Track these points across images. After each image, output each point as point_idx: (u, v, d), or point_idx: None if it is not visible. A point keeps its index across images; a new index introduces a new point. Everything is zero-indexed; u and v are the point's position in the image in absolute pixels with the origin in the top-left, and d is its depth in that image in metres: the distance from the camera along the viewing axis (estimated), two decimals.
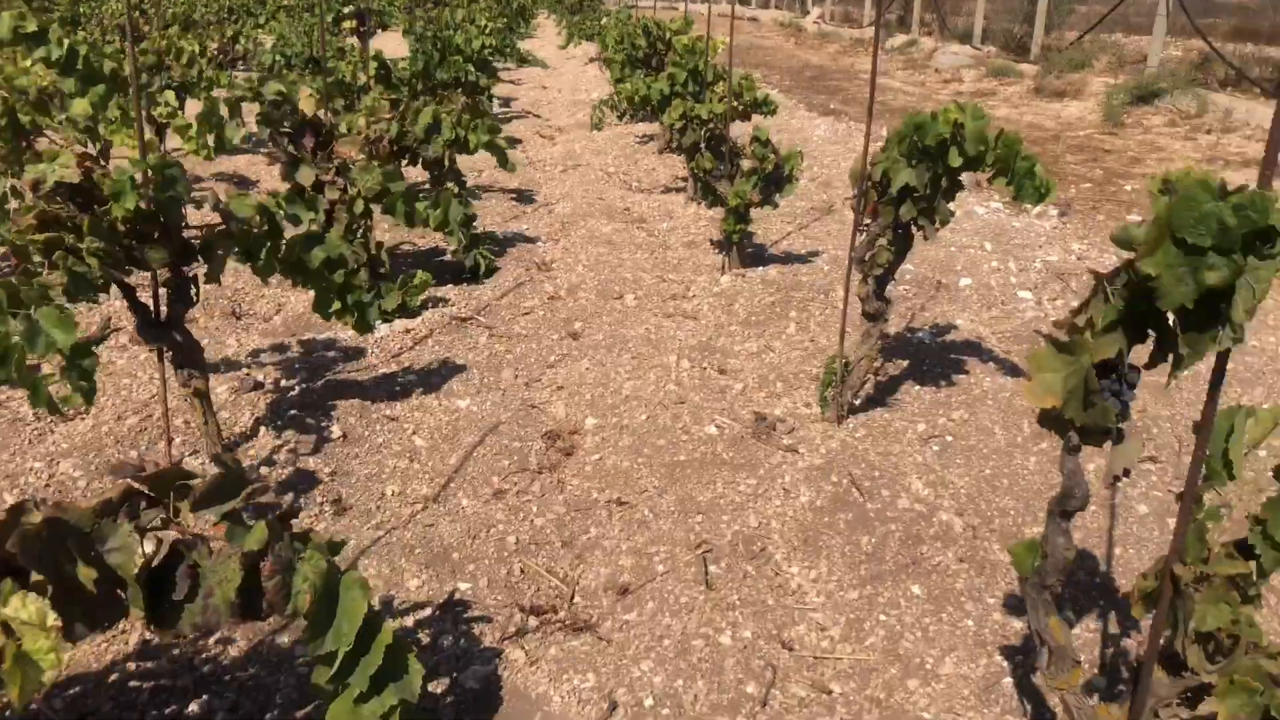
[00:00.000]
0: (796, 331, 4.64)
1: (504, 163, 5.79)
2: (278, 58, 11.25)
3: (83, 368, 2.52)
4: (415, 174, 6.57)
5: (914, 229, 3.26)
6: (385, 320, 4.88)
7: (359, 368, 4.32)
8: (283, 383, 4.11)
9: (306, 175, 4.83)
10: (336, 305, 3.58)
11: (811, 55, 20.05)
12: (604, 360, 4.42)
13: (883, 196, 3.26)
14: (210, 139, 4.56)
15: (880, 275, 3.36)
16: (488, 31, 11.44)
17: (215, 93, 4.52)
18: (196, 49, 7.91)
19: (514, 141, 9.86)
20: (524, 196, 7.67)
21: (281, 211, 3.32)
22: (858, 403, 3.71)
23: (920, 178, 3.02)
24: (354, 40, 17.50)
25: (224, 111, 4.52)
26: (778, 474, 3.30)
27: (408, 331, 4.74)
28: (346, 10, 17.93)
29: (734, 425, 3.65)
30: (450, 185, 5.52)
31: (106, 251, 2.76)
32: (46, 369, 2.56)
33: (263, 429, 3.70)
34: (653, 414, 3.78)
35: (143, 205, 2.97)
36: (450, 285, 5.43)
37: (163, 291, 3.29)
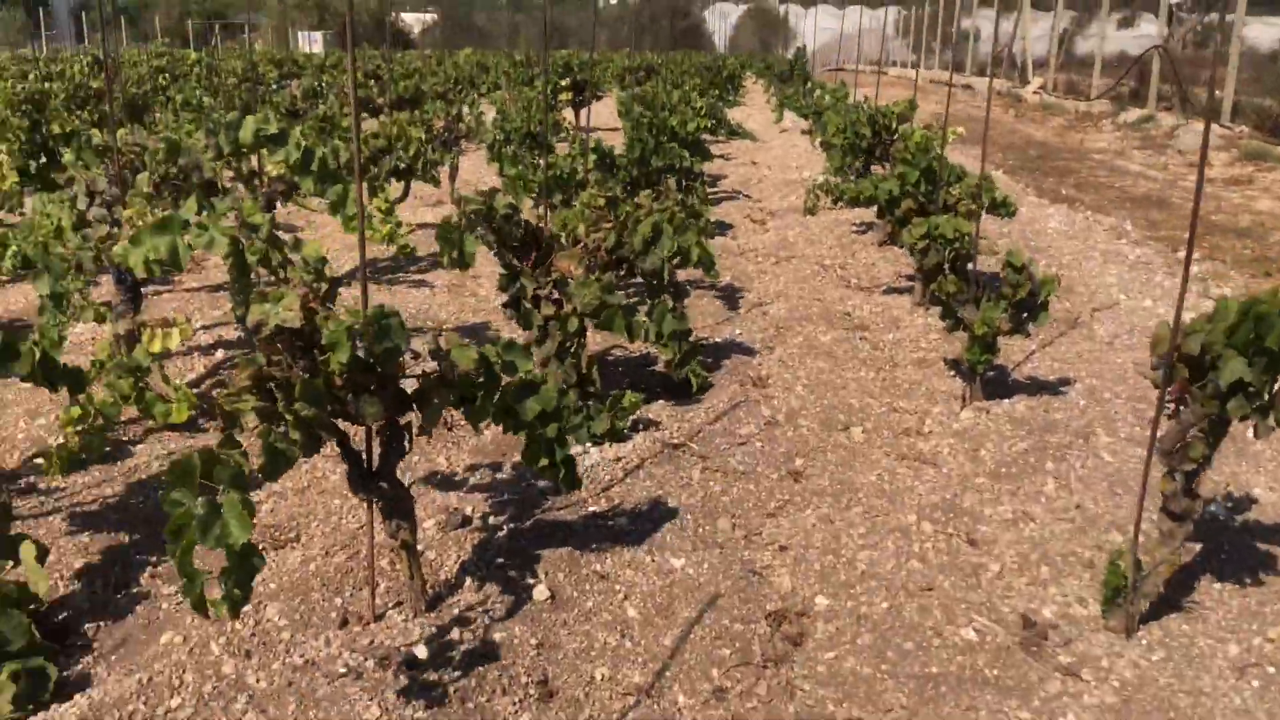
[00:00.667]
0: (1056, 491, 4.05)
1: (710, 269, 5.47)
2: (498, 135, 11.44)
3: (245, 572, 2.30)
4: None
5: (1238, 420, 2.69)
6: (595, 443, 4.64)
7: (568, 503, 4.04)
8: (491, 519, 3.87)
9: (524, 286, 4.65)
10: (544, 462, 3.30)
11: (1034, 130, 19.04)
12: (831, 514, 3.98)
13: (1198, 379, 2.70)
14: (451, 255, 4.46)
15: (1191, 470, 2.78)
16: (702, 111, 11.30)
17: (454, 208, 4.41)
18: (421, 136, 8.05)
19: (724, 227, 9.60)
20: (734, 294, 7.34)
21: (499, 361, 3.09)
22: (1146, 606, 3.11)
23: (1258, 376, 2.45)
24: (568, 114, 17.87)
25: (462, 226, 4.42)
26: (1059, 709, 2.75)
27: (618, 460, 4.44)
28: (564, 83, 18.40)
29: (996, 630, 3.12)
30: (666, 297, 5.24)
31: (314, 418, 2.56)
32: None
33: (468, 579, 3.45)
34: (895, 602, 3.30)
35: (360, 355, 2.79)
36: (661, 402, 5.12)
37: (375, 438, 3.10)
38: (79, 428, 4.24)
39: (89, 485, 4.15)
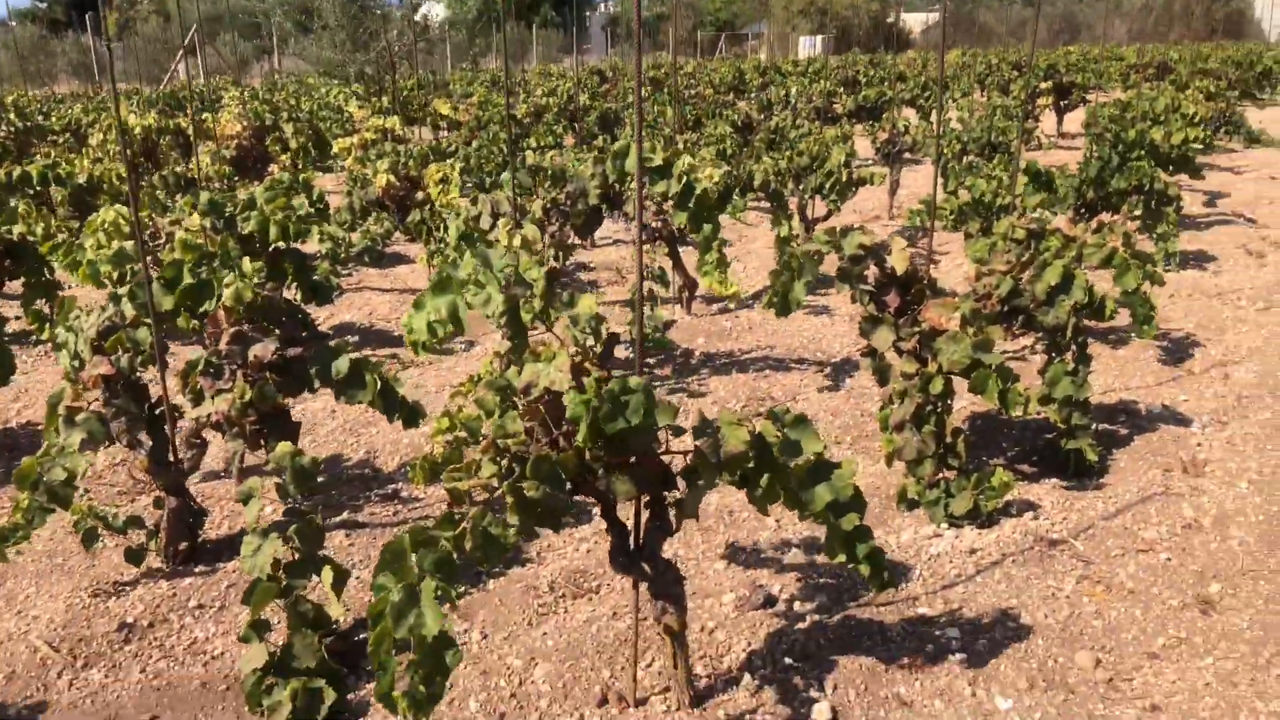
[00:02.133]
0: None
1: (1145, 325, 4.48)
2: (952, 145, 10.65)
3: (436, 667, 2.11)
4: None
5: None
6: (952, 525, 4.00)
7: (892, 599, 3.49)
8: (796, 605, 3.44)
9: (884, 338, 4.12)
10: (841, 557, 2.81)
11: None
12: (1239, 671, 3.01)
13: None
14: (777, 297, 4.10)
15: None
16: (1196, 121, 9.62)
17: (794, 247, 4.04)
18: (845, 155, 7.65)
19: (1203, 259, 8.07)
20: (1187, 346, 6.06)
21: (779, 441, 2.66)
22: None
23: None
24: (1043, 123, 16.30)
25: (794, 267, 4.03)
26: None
27: (973, 553, 3.77)
28: (1044, 85, 16.83)
29: None
30: (1067, 356, 4.39)
31: (539, 501, 2.34)
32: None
33: (747, 677, 3.07)
34: None
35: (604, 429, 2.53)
36: (1050, 481, 4.30)
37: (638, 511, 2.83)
38: (446, 439, 4.50)
39: (441, 499, 4.36)
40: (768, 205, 11.12)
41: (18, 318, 6.81)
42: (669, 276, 6.79)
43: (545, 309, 2.70)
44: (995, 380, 3.92)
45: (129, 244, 5.53)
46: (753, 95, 19.97)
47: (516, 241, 4.68)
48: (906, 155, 10.86)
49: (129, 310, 3.76)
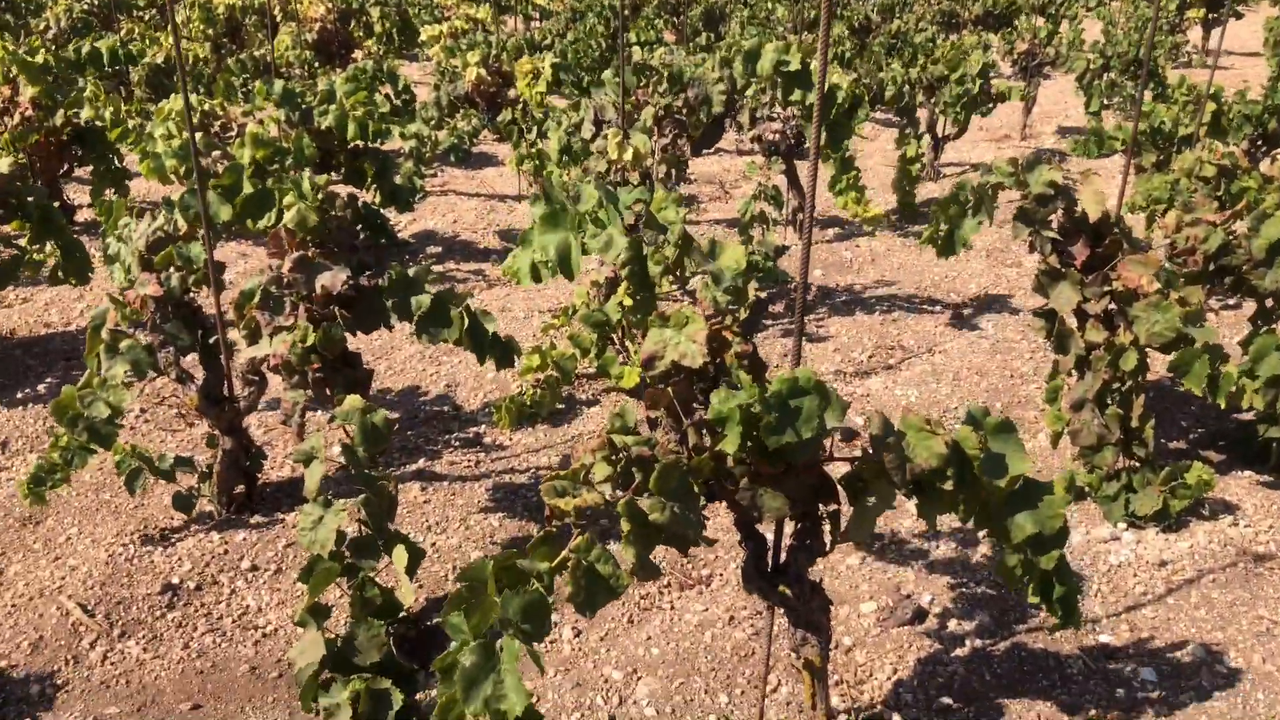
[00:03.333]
0: None
1: None
2: (1093, 61, 9.56)
3: None
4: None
5: None
6: (1132, 525, 3.35)
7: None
8: (952, 623, 2.86)
9: (1067, 297, 3.42)
10: (1032, 597, 2.20)
11: None
12: None
13: None
14: (941, 234, 3.41)
15: None
16: None
17: (969, 176, 3.33)
18: (986, 62, 6.78)
19: None
20: None
21: (980, 455, 2.04)
22: None
23: None
24: (1192, 36, 14.83)
25: (965, 200, 3.33)
26: None
27: (1162, 565, 3.13)
28: None
29: None
30: (1277, 329, 3.64)
31: (664, 526, 1.77)
32: None
33: (896, 717, 2.51)
34: None
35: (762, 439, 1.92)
36: (1248, 476, 3.62)
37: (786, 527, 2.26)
38: (536, 378, 3.96)
39: (528, 449, 3.84)
40: (883, 117, 10.22)
41: (89, 205, 6.42)
42: (783, 196, 6.09)
43: (679, 260, 2.11)
44: (1204, 361, 3.22)
45: (199, 135, 5.02)
46: None
47: (628, 155, 4.05)
48: (1045, 69, 9.81)
49: (182, 221, 3.24)
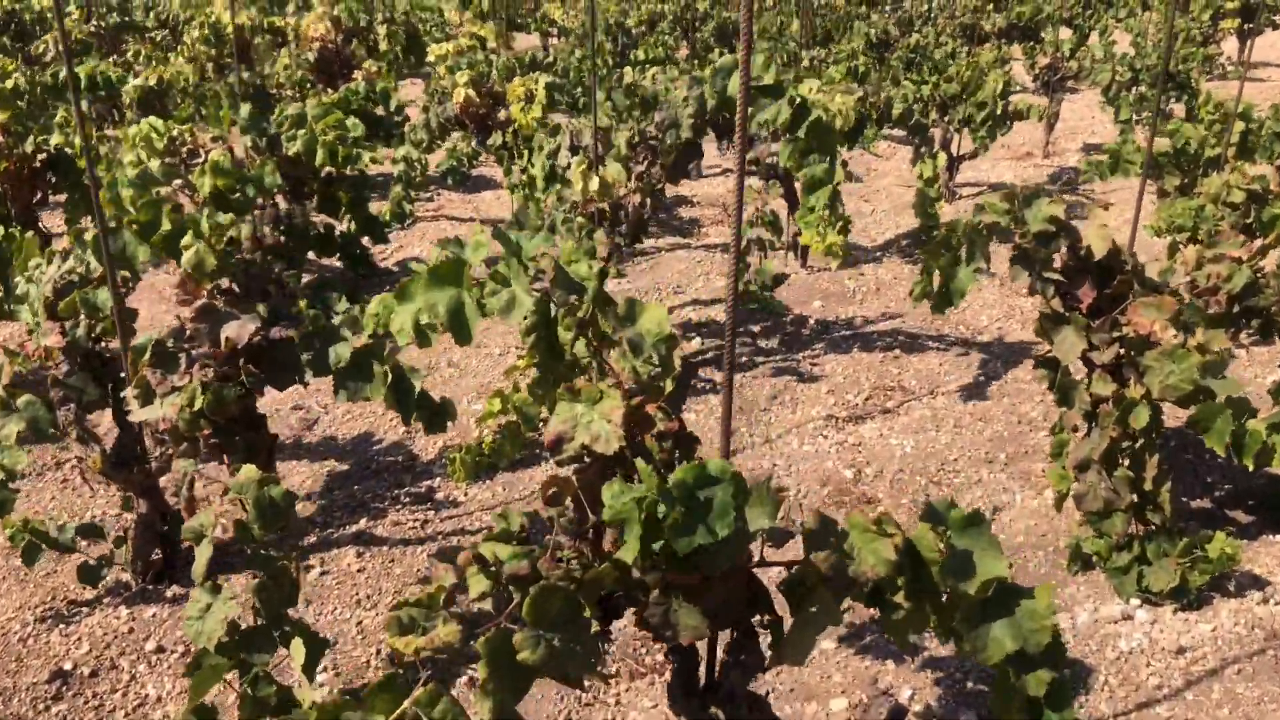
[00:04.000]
0: None
1: None
2: (1119, 74, 9.14)
3: None
4: None
5: None
6: (1147, 602, 2.98)
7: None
8: None
9: (1070, 344, 3.06)
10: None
11: None
12: None
13: None
14: (933, 287, 3.06)
15: None
16: None
17: (962, 217, 2.97)
18: (1001, 83, 6.42)
19: None
20: None
21: (940, 561, 1.69)
22: None
23: None
24: (1227, 48, 14.34)
25: (958, 245, 2.98)
26: None
27: (1180, 652, 2.75)
28: (1229, 4, 14.79)
29: None
30: None
31: (535, 667, 1.44)
32: None
33: None
34: None
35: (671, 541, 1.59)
36: (1274, 540, 3.23)
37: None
38: (497, 424, 3.64)
39: (483, 505, 3.53)
40: (901, 133, 9.85)
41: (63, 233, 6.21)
42: (781, 222, 5.75)
43: (591, 323, 1.79)
44: (1227, 418, 2.84)
45: (155, 163, 4.77)
46: (889, 7, 18.26)
47: (593, 185, 3.74)
48: (1069, 84, 9.41)
49: (95, 263, 2.96)
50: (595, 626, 1.54)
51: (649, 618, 1.65)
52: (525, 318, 1.90)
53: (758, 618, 1.82)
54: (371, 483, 3.66)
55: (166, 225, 3.07)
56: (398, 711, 1.36)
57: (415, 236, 6.76)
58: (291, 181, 5.25)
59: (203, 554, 2.31)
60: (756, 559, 1.77)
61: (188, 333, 2.61)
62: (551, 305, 1.91)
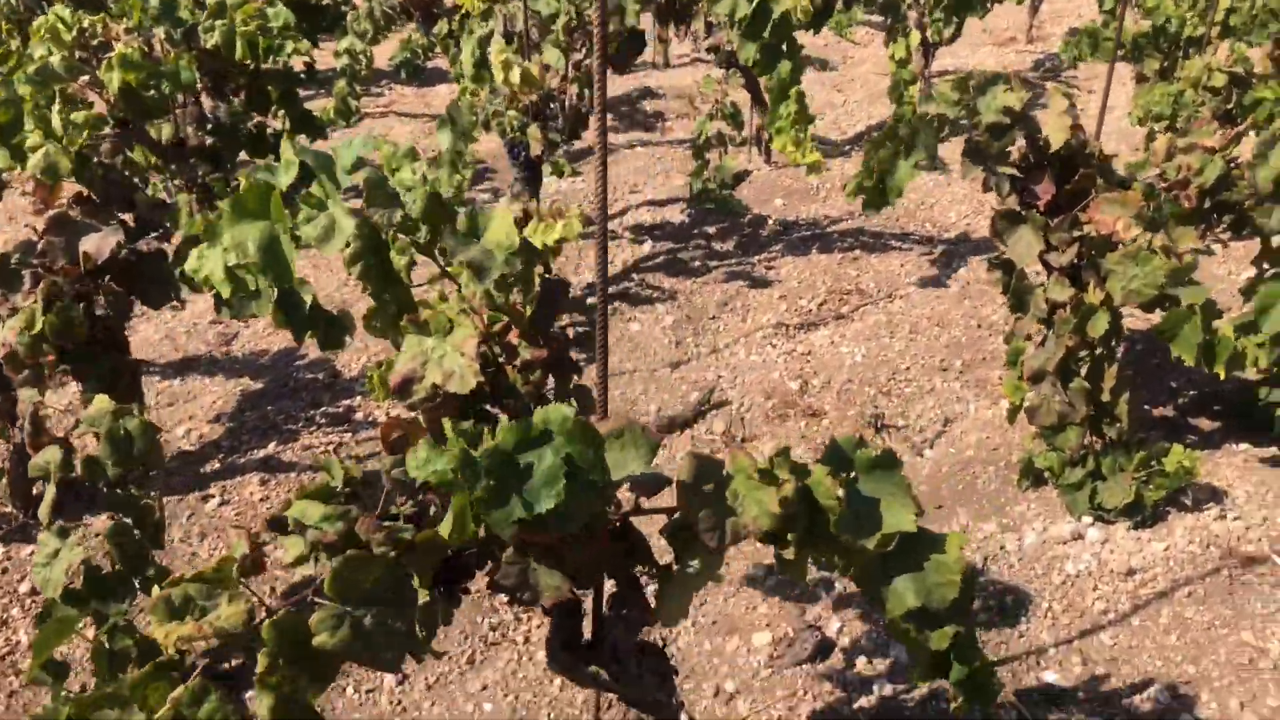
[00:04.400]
0: None
1: None
2: None
3: None
4: None
5: None
6: (1099, 519, 2.80)
7: (1010, 642, 2.36)
8: (860, 663, 2.34)
9: (1026, 245, 2.81)
10: (928, 678, 1.67)
11: None
12: None
13: None
14: (863, 183, 2.80)
15: None
16: None
17: (908, 107, 2.71)
18: None
19: None
20: None
21: (838, 510, 1.48)
22: None
23: None
24: None
25: (903, 135, 2.71)
26: None
27: (1130, 573, 2.58)
28: None
29: None
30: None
31: (346, 649, 1.23)
32: None
33: None
34: None
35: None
36: (1236, 450, 3.04)
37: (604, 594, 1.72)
38: None
39: None
40: (880, 19, 9.38)
41: None
42: (743, 115, 5.42)
43: (432, 242, 1.54)
44: (1195, 325, 2.62)
45: (56, 58, 4.41)
46: None
47: (514, 76, 3.43)
48: None
49: None
50: (424, 596, 1.33)
51: (501, 579, 1.44)
52: (347, 244, 1.63)
53: (639, 569, 1.62)
54: (287, 402, 3.44)
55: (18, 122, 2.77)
56: (160, 714, 1.15)
57: (357, 134, 6.40)
58: (213, 76, 4.90)
59: (48, 495, 2.10)
60: (630, 507, 1.55)
61: (39, 247, 2.35)
62: (377, 227, 1.65)
